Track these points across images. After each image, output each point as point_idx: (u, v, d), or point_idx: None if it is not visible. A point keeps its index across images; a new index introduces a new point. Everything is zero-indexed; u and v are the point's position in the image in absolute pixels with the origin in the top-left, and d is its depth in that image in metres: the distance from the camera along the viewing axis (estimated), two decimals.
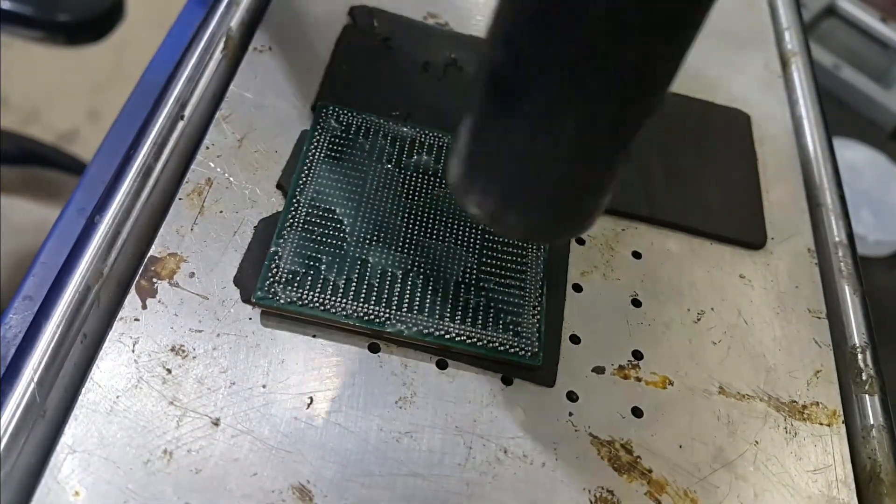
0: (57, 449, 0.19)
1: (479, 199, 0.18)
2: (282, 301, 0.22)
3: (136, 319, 0.21)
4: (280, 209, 0.24)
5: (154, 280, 0.22)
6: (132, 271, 0.22)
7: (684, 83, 0.33)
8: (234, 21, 0.29)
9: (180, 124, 0.25)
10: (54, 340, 0.20)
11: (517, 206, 0.18)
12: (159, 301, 0.22)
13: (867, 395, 0.25)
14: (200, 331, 0.21)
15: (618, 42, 0.14)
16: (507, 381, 0.23)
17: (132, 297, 0.22)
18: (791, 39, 0.36)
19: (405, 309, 0.22)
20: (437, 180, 0.26)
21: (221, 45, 0.28)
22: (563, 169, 0.17)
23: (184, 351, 0.21)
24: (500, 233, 0.19)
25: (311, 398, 0.21)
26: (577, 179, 0.17)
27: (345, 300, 0.22)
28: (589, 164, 0.17)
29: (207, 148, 0.25)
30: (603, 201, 0.18)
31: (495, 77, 0.16)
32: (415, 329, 0.22)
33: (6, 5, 0.42)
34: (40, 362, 0.20)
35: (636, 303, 0.25)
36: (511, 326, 0.23)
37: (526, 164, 0.17)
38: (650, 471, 0.22)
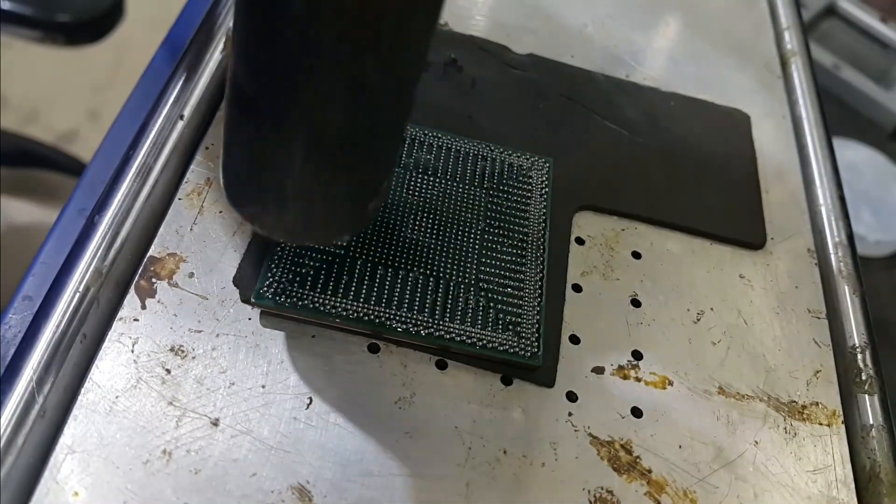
0: (56, 449, 0.19)
1: (239, 201, 0.19)
2: (281, 301, 0.22)
3: (136, 320, 0.21)
4: None
5: (153, 280, 0.22)
6: (131, 271, 0.22)
7: (684, 83, 0.33)
8: None
9: (180, 124, 0.25)
10: (54, 340, 0.20)
11: (270, 208, 0.19)
12: (159, 301, 0.22)
13: (867, 396, 0.24)
14: (200, 331, 0.21)
15: (323, 55, 0.15)
16: (506, 382, 0.23)
17: (131, 298, 0.22)
18: (791, 39, 0.36)
19: (405, 309, 0.22)
20: (437, 180, 0.26)
21: (221, 45, 0.28)
22: (301, 172, 0.18)
23: (183, 351, 0.21)
24: (266, 234, 0.20)
25: (311, 398, 0.21)
26: (318, 183, 0.18)
27: (344, 300, 0.22)
28: (327, 168, 0.18)
29: (207, 148, 0.25)
30: (356, 207, 0.19)
31: (234, 88, 0.17)
32: (415, 329, 0.22)
33: (6, 5, 0.42)
34: (40, 362, 0.20)
35: (636, 303, 0.25)
36: (511, 326, 0.23)
37: (268, 168, 0.18)
38: (650, 471, 0.22)
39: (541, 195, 0.26)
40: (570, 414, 0.22)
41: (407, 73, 0.17)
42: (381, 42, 0.15)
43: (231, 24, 0.28)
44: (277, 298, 0.22)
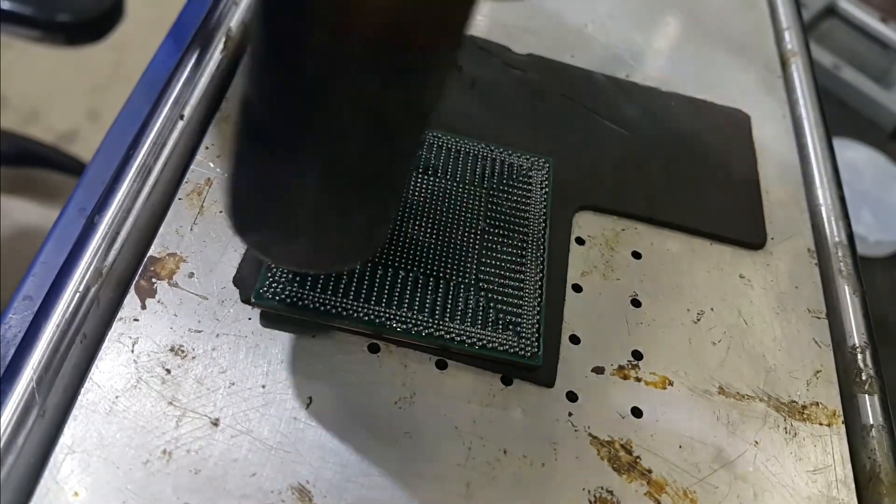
0: (56, 449, 0.19)
1: (245, 230, 0.19)
2: (281, 301, 0.22)
3: (136, 319, 0.21)
4: None
5: (153, 280, 0.22)
6: (132, 271, 0.22)
7: (684, 83, 0.33)
8: (234, 21, 0.29)
9: (180, 124, 0.25)
10: (54, 340, 0.20)
11: (279, 238, 0.19)
12: (159, 301, 0.22)
13: (867, 396, 0.24)
14: (200, 331, 0.21)
15: (343, 88, 0.15)
16: (506, 382, 0.23)
17: (131, 298, 0.22)
18: (791, 39, 0.36)
19: (405, 309, 0.22)
20: (437, 180, 0.26)
21: (221, 45, 0.28)
22: (315, 202, 0.17)
23: (183, 351, 0.21)
24: (272, 262, 0.20)
25: (311, 398, 0.21)
26: (332, 213, 0.18)
27: (344, 300, 0.22)
28: (341, 198, 0.17)
29: (207, 148, 0.25)
30: (367, 235, 0.19)
31: (247, 113, 0.16)
32: (414, 329, 0.22)
33: (6, 5, 0.42)
34: (40, 362, 0.20)
35: (636, 303, 0.25)
36: (511, 326, 0.23)
37: (279, 197, 0.17)
38: (650, 471, 0.22)
39: (541, 195, 0.26)
40: (570, 414, 0.22)
41: (427, 106, 0.16)
42: (407, 76, 0.15)
43: (231, 25, 0.28)
44: (277, 298, 0.22)
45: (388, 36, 0.14)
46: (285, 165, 0.17)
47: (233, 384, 0.21)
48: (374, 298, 0.22)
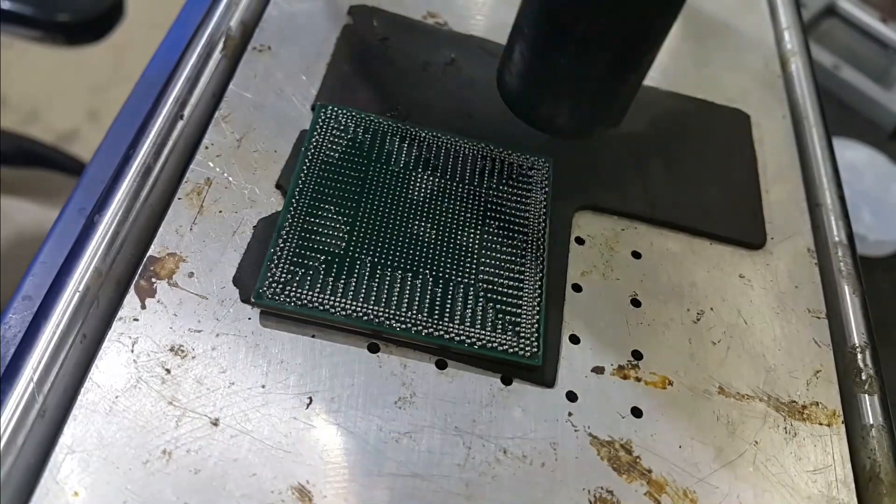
0: (56, 449, 0.19)
1: (536, 104, 0.24)
2: (281, 301, 0.22)
3: (136, 319, 0.21)
4: (279, 209, 0.24)
5: (153, 280, 0.22)
6: (131, 271, 0.22)
7: (684, 83, 0.33)
8: (234, 20, 0.29)
9: (179, 124, 0.25)
10: (54, 340, 0.20)
11: (567, 108, 0.24)
12: (158, 301, 0.22)
13: (867, 395, 0.24)
14: (199, 331, 0.21)
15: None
16: (506, 381, 0.23)
17: (131, 297, 0.22)
18: (791, 39, 0.36)
19: (405, 309, 0.22)
20: (437, 179, 0.26)
21: (221, 45, 0.28)
22: (600, 82, 0.23)
23: (183, 351, 0.21)
24: (547, 130, 0.25)
25: (311, 398, 0.21)
26: (608, 89, 0.23)
27: (344, 300, 0.22)
28: (616, 80, 0.23)
29: (207, 148, 0.25)
30: (625, 104, 0.24)
31: (549, 15, 0.22)
32: (414, 329, 0.22)
33: (6, 5, 0.42)
34: (40, 362, 0.20)
35: (636, 303, 0.25)
36: (511, 326, 0.23)
37: (572, 78, 0.23)
38: (650, 471, 0.22)
39: (541, 195, 0.26)
40: (570, 414, 0.22)
41: (660, 33, 0.22)
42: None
43: (231, 25, 0.28)
44: (277, 298, 0.22)
45: None
46: (581, 55, 0.22)
47: (233, 384, 0.21)
48: (374, 298, 0.22)
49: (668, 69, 0.33)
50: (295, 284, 0.22)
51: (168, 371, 0.21)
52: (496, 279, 0.24)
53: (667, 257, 0.27)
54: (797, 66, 0.35)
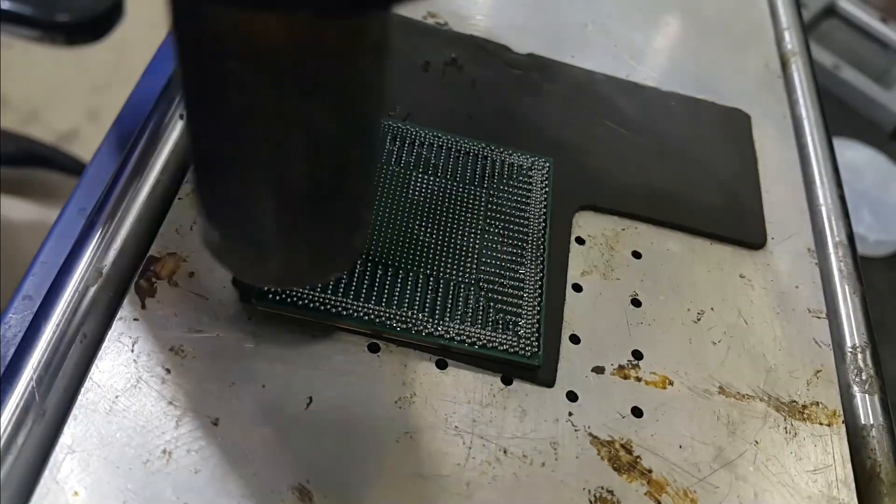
0: (56, 449, 0.19)
1: (221, 257, 0.19)
2: (281, 301, 0.22)
3: (136, 319, 0.21)
4: None
5: (153, 280, 0.22)
6: (131, 271, 0.22)
7: (684, 83, 0.33)
8: None
9: (180, 124, 0.25)
10: (53, 340, 0.20)
11: (253, 262, 0.19)
12: (158, 301, 0.22)
13: (867, 395, 0.24)
14: (200, 331, 0.21)
15: (262, 106, 0.15)
16: (506, 381, 0.23)
17: (131, 297, 0.22)
18: (791, 39, 0.36)
19: (405, 308, 0.22)
20: (437, 180, 0.26)
21: None
22: (275, 225, 0.17)
23: (183, 351, 0.21)
24: (257, 285, 0.21)
25: (311, 398, 0.21)
26: (295, 232, 0.18)
27: (344, 300, 0.22)
28: (301, 217, 0.17)
29: None
30: (343, 243, 0.19)
31: (193, 145, 0.16)
32: (414, 329, 0.22)
33: (6, 5, 0.42)
34: (40, 362, 0.20)
35: (636, 303, 0.25)
36: (511, 326, 0.23)
37: (241, 223, 0.18)
38: (650, 471, 0.22)
39: (541, 195, 0.26)
40: (570, 414, 0.22)
41: (362, 111, 0.16)
42: (322, 90, 0.15)
43: None
44: (277, 298, 0.22)
45: (288, 55, 0.14)
46: (238, 192, 0.17)
47: (233, 384, 0.21)
48: (374, 298, 0.22)
49: (668, 69, 0.33)
50: None
51: (168, 371, 0.21)
52: (496, 279, 0.24)
53: (667, 257, 0.27)
54: (797, 66, 0.35)
